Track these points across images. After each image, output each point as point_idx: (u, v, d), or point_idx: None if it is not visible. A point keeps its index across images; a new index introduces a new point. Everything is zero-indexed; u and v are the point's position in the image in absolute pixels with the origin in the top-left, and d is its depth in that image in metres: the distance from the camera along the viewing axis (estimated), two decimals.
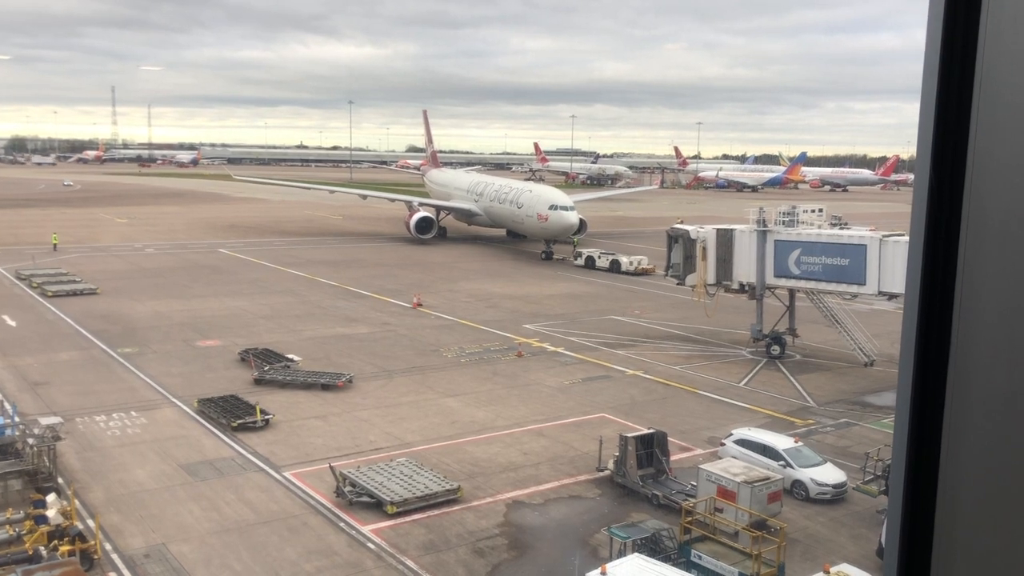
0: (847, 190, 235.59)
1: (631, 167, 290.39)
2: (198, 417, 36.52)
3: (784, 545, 24.32)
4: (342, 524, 26.94)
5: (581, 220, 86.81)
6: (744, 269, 48.59)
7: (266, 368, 42.57)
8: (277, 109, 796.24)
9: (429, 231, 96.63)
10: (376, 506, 27.75)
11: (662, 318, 59.17)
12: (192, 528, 26.28)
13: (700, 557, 24.11)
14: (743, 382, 43.99)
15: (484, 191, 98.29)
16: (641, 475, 29.50)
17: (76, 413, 36.38)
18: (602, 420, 37.18)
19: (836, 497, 29.61)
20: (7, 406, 34.91)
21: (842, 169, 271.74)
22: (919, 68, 2.51)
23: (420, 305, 60.39)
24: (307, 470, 31.02)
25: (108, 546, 25.00)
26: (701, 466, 28.39)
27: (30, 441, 29.17)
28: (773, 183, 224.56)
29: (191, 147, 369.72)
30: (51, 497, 26.30)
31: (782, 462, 30.32)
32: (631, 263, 79.00)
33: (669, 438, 31.64)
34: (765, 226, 47.48)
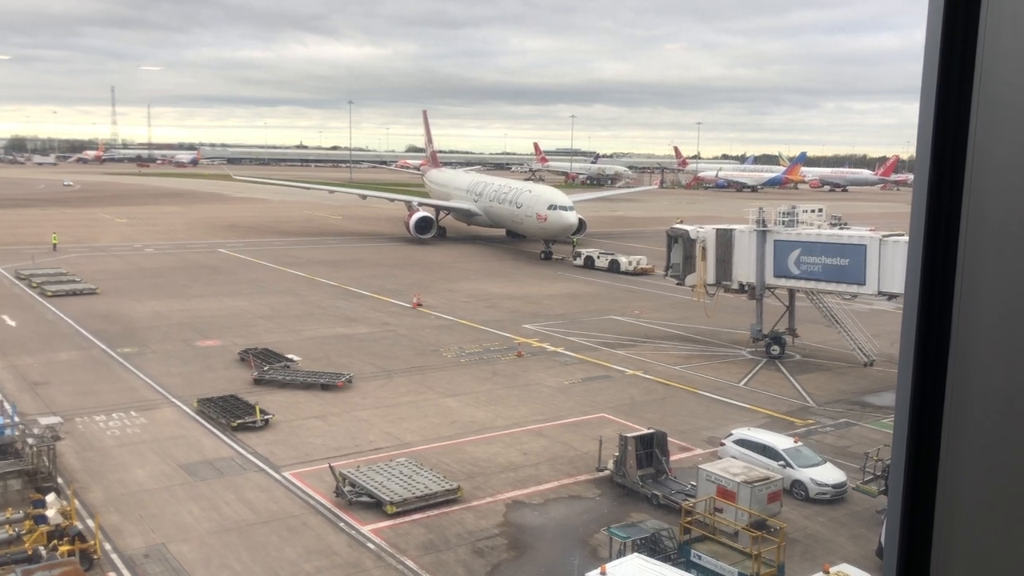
0: (847, 190, 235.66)
1: (631, 167, 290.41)
2: (198, 417, 36.52)
3: (784, 545, 24.32)
4: (342, 524, 26.94)
5: (580, 220, 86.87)
6: (744, 269, 48.61)
7: (266, 368, 42.57)
8: (277, 109, 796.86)
9: (428, 231, 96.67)
10: (376, 506, 27.75)
11: (662, 318, 59.18)
12: (192, 528, 26.28)
13: (700, 557, 24.11)
14: (743, 382, 44.00)
15: (483, 191, 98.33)
16: (641, 475, 29.50)
17: (76, 413, 36.37)
18: (602, 420, 37.18)
19: (836, 497, 29.62)
20: (7, 406, 34.92)
21: (842, 169, 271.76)
22: (919, 68, 2.51)
23: (420, 305, 60.39)
24: (307, 470, 31.03)
25: (108, 546, 25.00)
26: (701, 466, 28.39)
27: (30, 441, 29.18)
28: (773, 183, 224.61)
29: (191, 147, 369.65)
30: (51, 497, 26.30)
31: (782, 462, 30.33)
32: (630, 263, 79.03)
33: (669, 438, 31.64)
34: (765, 226, 47.49)
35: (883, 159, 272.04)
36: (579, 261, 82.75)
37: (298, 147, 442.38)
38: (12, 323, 52.78)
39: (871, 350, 47.07)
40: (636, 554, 22.93)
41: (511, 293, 67.32)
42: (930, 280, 2.55)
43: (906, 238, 38.12)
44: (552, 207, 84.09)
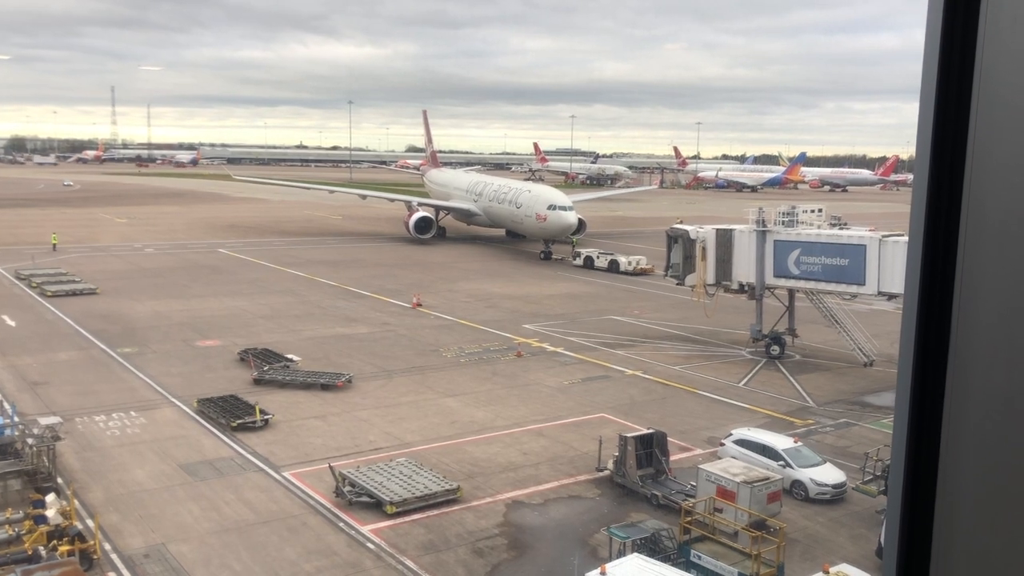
0: (846, 190, 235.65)
1: (631, 167, 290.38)
2: (197, 417, 36.51)
3: (783, 545, 24.32)
4: (341, 524, 26.94)
5: (580, 220, 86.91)
6: (743, 269, 48.61)
7: (265, 368, 42.57)
8: (277, 109, 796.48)
9: (428, 231, 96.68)
10: (375, 506, 27.75)
11: (661, 318, 59.18)
12: (191, 528, 26.28)
13: (699, 557, 24.11)
14: (742, 382, 44.00)
15: (483, 191, 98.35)
16: (640, 475, 29.50)
17: (75, 413, 36.37)
18: (601, 420, 37.18)
19: (835, 497, 29.62)
20: (7, 406, 34.93)
21: (841, 169, 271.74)
22: (919, 68, 2.51)
23: (420, 305, 60.39)
24: (306, 470, 31.03)
25: (107, 546, 25.00)
26: (700, 466, 28.41)
27: (29, 441, 29.16)
28: (773, 183, 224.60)
29: (191, 147, 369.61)
30: (50, 497, 26.30)
31: (781, 462, 30.33)
32: (629, 263, 79.06)
33: (668, 438, 31.64)
34: (764, 226, 47.49)
35: (883, 159, 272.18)
36: (579, 261, 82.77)
37: (298, 147, 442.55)
38: (12, 323, 52.78)
39: (871, 350, 47.07)
40: (636, 554, 22.93)
41: (511, 293, 67.33)
42: (930, 280, 2.55)
43: (906, 238, 38.10)
44: (552, 207, 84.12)
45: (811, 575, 22.89)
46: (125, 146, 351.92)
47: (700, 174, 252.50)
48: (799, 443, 32.11)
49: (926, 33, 2.50)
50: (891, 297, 44.99)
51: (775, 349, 48.73)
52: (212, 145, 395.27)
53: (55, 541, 23.90)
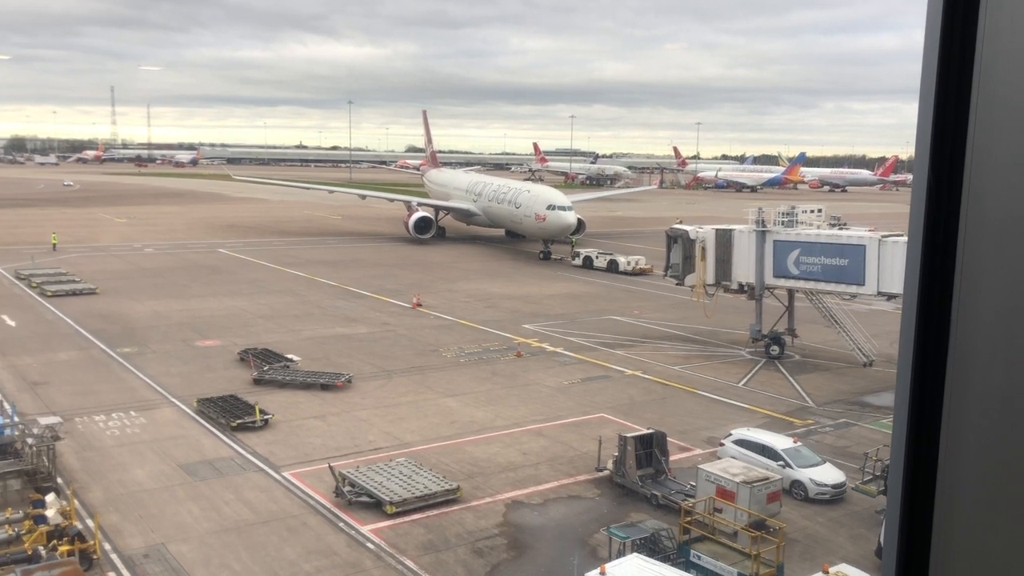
0: (846, 190, 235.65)
1: (630, 167, 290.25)
2: (197, 417, 36.51)
3: (783, 545, 24.33)
4: (341, 524, 26.94)
5: (579, 220, 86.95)
6: (743, 269, 48.62)
7: (265, 368, 42.57)
8: (277, 109, 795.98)
9: (428, 231, 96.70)
10: (375, 506, 27.75)
11: (661, 318, 59.19)
12: (191, 528, 26.28)
13: (699, 557, 24.12)
14: (742, 382, 44.01)
15: (483, 191, 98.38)
16: (640, 475, 29.51)
17: (75, 413, 36.37)
18: (601, 420, 37.18)
19: (835, 497, 29.62)
20: (6, 406, 34.93)
21: (841, 169, 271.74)
22: (918, 68, 2.51)
23: (419, 305, 60.40)
24: (306, 470, 31.03)
25: (107, 546, 25.00)
26: (700, 466, 28.41)
27: (29, 441, 29.16)
28: (772, 183, 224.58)
29: (190, 147, 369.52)
30: (50, 497, 26.30)
31: (781, 462, 30.33)
32: (629, 263, 79.08)
33: (668, 438, 31.65)
34: (764, 226, 47.50)
35: (882, 159, 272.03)
36: (578, 261, 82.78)
37: (298, 147, 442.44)
38: (12, 323, 52.77)
39: (870, 350, 47.07)
40: (635, 554, 22.93)
41: (510, 293, 67.33)
42: (929, 280, 2.55)
43: (905, 238, 38.12)
44: (551, 207, 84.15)
45: (810, 575, 22.89)
46: (125, 146, 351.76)
47: (700, 174, 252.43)
48: (798, 443, 32.11)
49: (926, 33, 2.50)
50: (890, 297, 44.99)
51: (775, 349, 48.74)
52: (212, 145, 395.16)
53: (55, 541, 23.90)
